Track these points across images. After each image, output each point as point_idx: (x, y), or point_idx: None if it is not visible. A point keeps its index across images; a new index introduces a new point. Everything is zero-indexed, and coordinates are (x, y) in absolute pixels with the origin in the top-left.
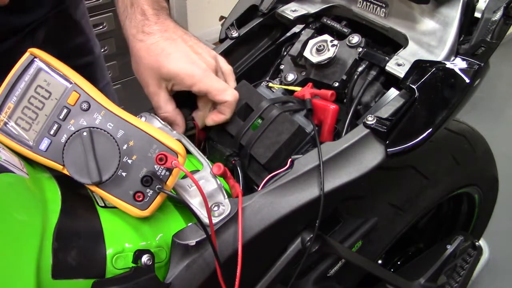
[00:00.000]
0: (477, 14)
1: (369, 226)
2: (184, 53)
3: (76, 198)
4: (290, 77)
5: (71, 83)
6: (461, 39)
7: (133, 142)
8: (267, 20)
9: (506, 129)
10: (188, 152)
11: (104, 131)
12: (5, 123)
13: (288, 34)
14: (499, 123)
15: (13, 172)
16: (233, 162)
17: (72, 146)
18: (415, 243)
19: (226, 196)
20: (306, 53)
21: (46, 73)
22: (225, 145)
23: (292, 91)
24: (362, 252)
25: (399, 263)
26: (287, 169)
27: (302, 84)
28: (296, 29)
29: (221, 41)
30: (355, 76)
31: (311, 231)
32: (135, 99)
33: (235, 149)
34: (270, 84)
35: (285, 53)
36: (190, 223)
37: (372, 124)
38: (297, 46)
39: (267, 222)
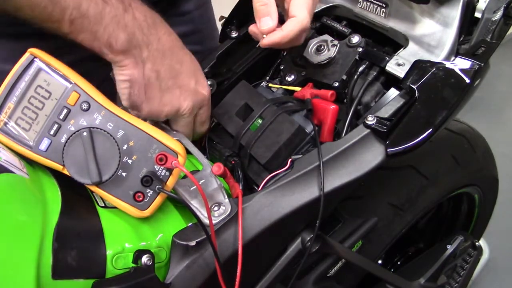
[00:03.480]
0: (477, 14)
1: (369, 226)
2: None
3: (76, 198)
4: (290, 77)
5: (71, 83)
6: (461, 39)
7: (133, 142)
8: None
9: (506, 129)
10: (188, 152)
11: (104, 131)
12: (5, 123)
13: None
14: (499, 123)
15: (13, 172)
16: (233, 162)
17: (72, 146)
18: (415, 243)
19: (226, 196)
20: (306, 53)
21: (46, 73)
22: (225, 145)
23: (292, 91)
24: (362, 252)
25: (399, 263)
26: (287, 169)
27: (302, 84)
28: None
29: (221, 41)
30: (355, 76)
31: (311, 231)
32: None
33: (235, 149)
34: (270, 84)
35: (285, 53)
36: (190, 223)
37: (372, 124)
38: (297, 46)
39: (267, 222)
